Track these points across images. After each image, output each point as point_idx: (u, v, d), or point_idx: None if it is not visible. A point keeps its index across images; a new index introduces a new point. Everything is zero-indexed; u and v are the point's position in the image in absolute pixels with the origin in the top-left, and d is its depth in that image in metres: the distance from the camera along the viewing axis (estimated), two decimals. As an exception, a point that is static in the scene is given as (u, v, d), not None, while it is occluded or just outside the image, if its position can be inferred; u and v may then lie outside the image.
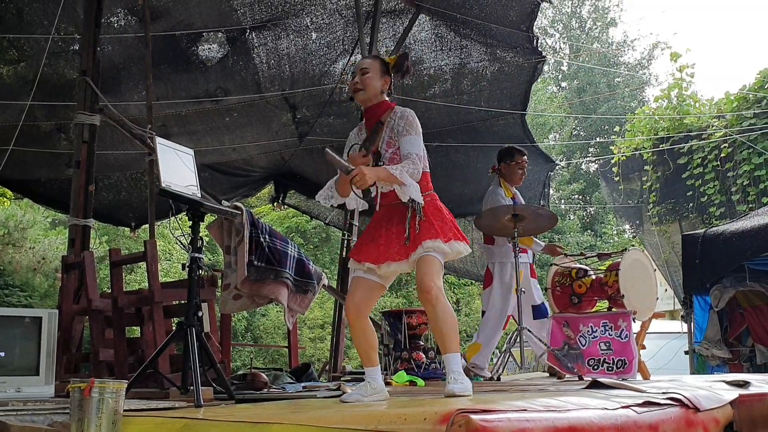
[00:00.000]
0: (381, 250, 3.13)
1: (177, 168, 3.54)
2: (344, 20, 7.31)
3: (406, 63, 3.36)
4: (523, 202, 5.73)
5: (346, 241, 7.65)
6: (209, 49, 7.19)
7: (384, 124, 3.24)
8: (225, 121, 8.20)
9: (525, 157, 5.75)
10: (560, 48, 30.79)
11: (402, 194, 3.10)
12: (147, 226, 7.92)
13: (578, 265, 5.61)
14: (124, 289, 4.78)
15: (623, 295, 5.11)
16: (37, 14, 6.42)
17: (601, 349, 5.14)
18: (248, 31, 7.06)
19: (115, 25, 6.71)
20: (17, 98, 6.99)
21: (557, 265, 5.67)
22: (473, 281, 15.84)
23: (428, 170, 3.26)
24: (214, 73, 7.42)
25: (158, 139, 3.57)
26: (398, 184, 3.09)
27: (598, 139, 26.32)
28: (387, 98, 3.36)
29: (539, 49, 7.60)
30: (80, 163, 5.40)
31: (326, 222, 10.84)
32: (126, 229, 11.77)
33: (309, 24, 7.23)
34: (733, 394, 2.63)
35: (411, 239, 3.10)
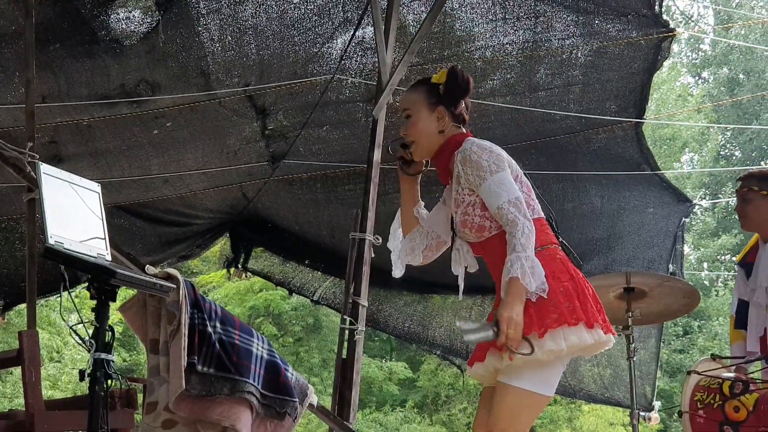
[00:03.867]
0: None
1: (73, 213, 3.56)
2: (344, -30, 7.40)
3: (463, 79, 3.71)
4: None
5: (348, 332, 7.60)
6: (127, 18, 7.26)
7: (491, 325, 3.48)
8: (152, 134, 8.25)
9: (741, 183, 5.77)
10: (700, 15, 31.00)
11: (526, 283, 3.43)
12: (23, 307, 7.92)
13: (734, 375, 5.55)
14: (-16, 411, 4.77)
15: (809, 425, 5.03)
16: None
17: None
18: (190, -12, 7.15)
19: (-25, -20, 6.83)
20: None
21: (699, 374, 5.61)
22: (562, 396, 15.69)
23: (539, 213, 3.68)
24: (134, 58, 7.47)
25: (43, 166, 3.56)
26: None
27: (763, 164, 26.33)
28: (457, 129, 3.74)
29: (664, 17, 7.63)
30: None
31: (314, 299, 10.81)
32: (-12, 310, 11.79)
33: (288, -22, 7.32)
34: None
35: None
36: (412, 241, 3.97)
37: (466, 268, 3.87)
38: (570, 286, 3.52)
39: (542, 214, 3.69)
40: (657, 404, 9.98)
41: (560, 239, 3.76)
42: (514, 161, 3.74)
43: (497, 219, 3.52)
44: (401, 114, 3.78)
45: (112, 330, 3.44)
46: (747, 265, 5.87)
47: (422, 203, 4.03)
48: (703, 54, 30.85)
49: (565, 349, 3.42)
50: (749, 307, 5.78)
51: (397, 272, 4.06)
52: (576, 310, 3.45)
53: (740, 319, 5.92)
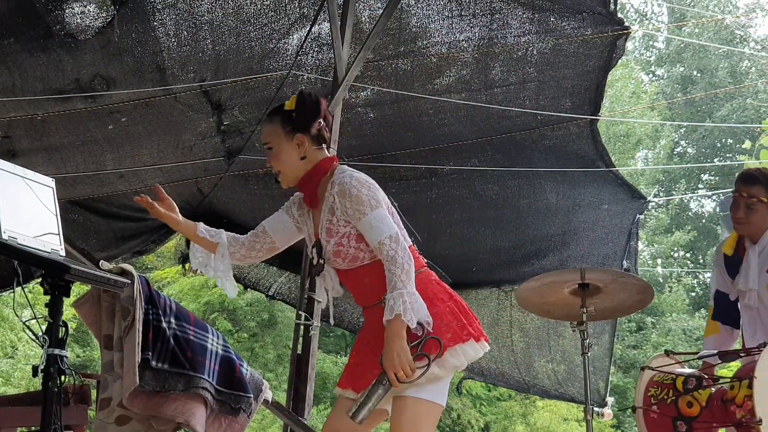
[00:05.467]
0: (357, 370, 3.75)
1: (27, 208, 3.55)
2: (301, -34, 7.39)
3: (312, 102, 3.82)
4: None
5: (303, 328, 7.60)
6: (82, 12, 7.22)
7: (379, 382, 3.57)
8: (107, 130, 8.21)
9: (743, 188, 5.72)
10: (654, 13, 31.23)
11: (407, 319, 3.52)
12: (-26, 301, 7.87)
13: (687, 371, 5.59)
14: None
15: (760, 420, 5.09)
16: None
17: None
18: (146, -18, 7.12)
19: None
20: None
21: (652, 369, 5.65)
22: (517, 392, 15.77)
23: (408, 240, 3.73)
24: (89, 52, 7.44)
25: (-4, 161, 3.56)
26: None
27: (716, 161, 26.54)
28: (320, 152, 3.83)
29: (619, 15, 7.68)
30: None
31: (269, 294, 10.80)
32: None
33: (244, -27, 7.30)
34: None
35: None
36: (223, 258, 4.05)
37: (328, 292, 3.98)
38: (453, 306, 3.66)
39: (410, 241, 3.74)
40: (610, 400, 10.05)
41: (425, 260, 3.85)
42: (382, 192, 3.78)
43: (377, 253, 3.60)
44: (263, 147, 3.85)
45: (65, 326, 3.42)
46: (732, 259, 5.86)
47: (200, 222, 4.15)
48: (657, 52, 31.09)
49: (465, 362, 3.59)
50: (740, 309, 5.80)
51: (232, 292, 4.17)
52: (465, 326, 3.61)
53: (718, 311, 5.93)
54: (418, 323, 3.52)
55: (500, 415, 23.19)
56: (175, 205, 4.07)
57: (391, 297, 3.51)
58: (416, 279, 3.61)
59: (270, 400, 5.36)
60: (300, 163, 3.77)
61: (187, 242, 10.27)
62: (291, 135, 3.77)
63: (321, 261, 3.80)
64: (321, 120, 3.83)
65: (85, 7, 7.12)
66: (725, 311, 5.86)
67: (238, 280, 10.77)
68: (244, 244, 4.09)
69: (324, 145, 3.86)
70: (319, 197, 3.77)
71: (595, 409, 6.31)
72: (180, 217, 4.08)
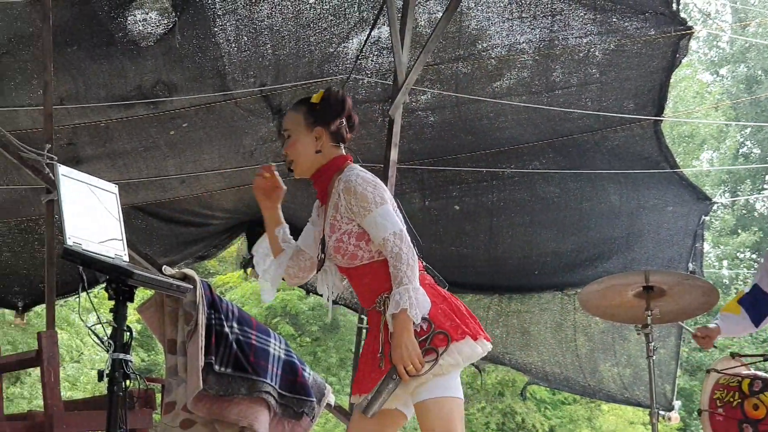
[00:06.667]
0: (362, 374, 3.71)
1: (91, 214, 3.57)
2: (360, -30, 7.39)
3: (336, 99, 3.87)
4: None
5: (365, 332, 7.61)
6: (144, 20, 7.28)
7: (389, 377, 3.59)
8: (169, 135, 8.28)
9: None
10: (718, 12, 30.89)
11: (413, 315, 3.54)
12: (42, 307, 7.93)
13: (755, 373, 5.52)
14: (5, 412, 4.78)
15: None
16: None
17: None
18: (207, -11, 7.15)
19: (-6, -17, 6.85)
20: None
21: (718, 372, 5.59)
22: (580, 395, 15.65)
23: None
24: (151, 59, 7.50)
25: (61, 168, 3.59)
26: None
27: (783, 161, 26.21)
28: (336, 150, 3.83)
29: (682, 15, 7.60)
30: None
31: (331, 299, 10.80)
32: (9, 312, 11.82)
33: (304, -22, 7.31)
34: None
35: (386, 357, 3.58)
36: (280, 266, 4.01)
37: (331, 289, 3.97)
38: (446, 307, 3.65)
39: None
40: (677, 403, 9.94)
41: (424, 263, 3.82)
42: (389, 192, 3.79)
43: (381, 250, 3.61)
44: (283, 133, 3.87)
45: (130, 330, 3.46)
46: None
47: (286, 226, 4.06)
48: (720, 51, 30.72)
49: (462, 360, 3.57)
50: None
51: (268, 297, 4.12)
52: (459, 326, 3.58)
53: (748, 299, 5.83)
54: (423, 318, 3.55)
55: (565, 419, 23.00)
56: (283, 191, 4.02)
57: (396, 292, 3.53)
58: None
59: (333, 403, 5.37)
60: (315, 156, 3.79)
61: (249, 247, 10.33)
62: (311, 127, 3.80)
63: (322, 256, 3.82)
64: (343, 119, 3.87)
65: (147, 14, 7.18)
66: (755, 303, 5.75)
67: (301, 285, 10.78)
68: (297, 265, 4.04)
69: (342, 144, 3.86)
70: (329, 193, 3.79)
71: (662, 412, 6.23)
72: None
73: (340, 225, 3.70)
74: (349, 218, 3.69)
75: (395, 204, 3.79)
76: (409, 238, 3.64)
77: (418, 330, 3.53)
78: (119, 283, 3.46)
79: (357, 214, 3.65)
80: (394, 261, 3.56)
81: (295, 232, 4.01)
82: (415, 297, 3.52)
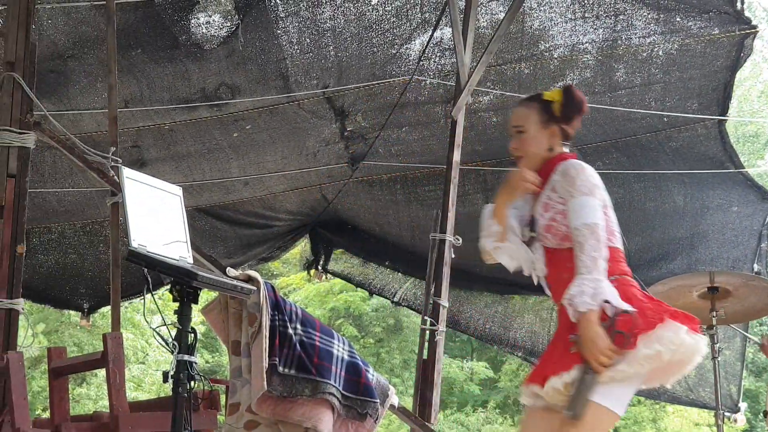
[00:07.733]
0: (543, 362, 3.69)
1: (155, 216, 3.59)
2: (423, -28, 7.38)
3: (579, 99, 3.87)
4: None
5: (428, 333, 7.59)
6: (208, 22, 7.33)
7: (584, 373, 3.48)
8: (232, 137, 8.32)
9: None
10: (783, 9, 30.47)
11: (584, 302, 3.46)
12: (107, 309, 8.00)
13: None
14: (71, 413, 4.82)
15: None
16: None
17: None
18: (270, -8, 7.19)
19: (61, -11, 6.93)
20: None
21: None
22: (645, 397, 15.51)
23: (617, 243, 3.66)
24: (215, 62, 7.55)
25: (126, 170, 3.61)
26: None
27: None
28: (565, 149, 3.85)
29: (746, 13, 7.52)
30: (3, 210, 5.52)
31: (394, 300, 10.81)
32: (75, 313, 11.95)
33: (366, -20, 7.33)
34: None
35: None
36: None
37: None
38: (650, 305, 3.53)
39: (621, 247, 3.69)
40: (743, 405, 9.81)
41: (635, 276, 3.74)
42: (607, 194, 3.74)
43: (571, 236, 3.56)
44: (512, 129, 3.85)
45: (194, 332, 3.47)
46: None
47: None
48: (787, 49, 30.26)
49: (662, 349, 3.38)
50: None
51: (511, 266, 4.00)
52: (659, 312, 3.46)
53: None
54: (606, 302, 3.45)
55: (630, 420, 22.77)
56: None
57: (572, 284, 3.48)
58: (614, 283, 3.54)
59: (396, 405, 5.36)
60: (546, 154, 3.81)
61: (312, 249, 10.36)
62: (547, 124, 3.82)
63: (533, 234, 3.78)
64: (580, 118, 3.91)
65: (211, 17, 7.22)
66: None
67: (363, 286, 10.84)
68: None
69: (567, 145, 3.88)
70: (548, 180, 3.78)
71: (727, 414, 6.17)
72: None
73: (554, 204, 3.69)
74: (563, 199, 3.67)
75: (608, 205, 3.74)
76: (603, 236, 3.55)
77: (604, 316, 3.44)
78: (183, 284, 3.48)
79: (565, 195, 3.65)
80: (577, 251, 3.52)
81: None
82: (591, 286, 3.45)
